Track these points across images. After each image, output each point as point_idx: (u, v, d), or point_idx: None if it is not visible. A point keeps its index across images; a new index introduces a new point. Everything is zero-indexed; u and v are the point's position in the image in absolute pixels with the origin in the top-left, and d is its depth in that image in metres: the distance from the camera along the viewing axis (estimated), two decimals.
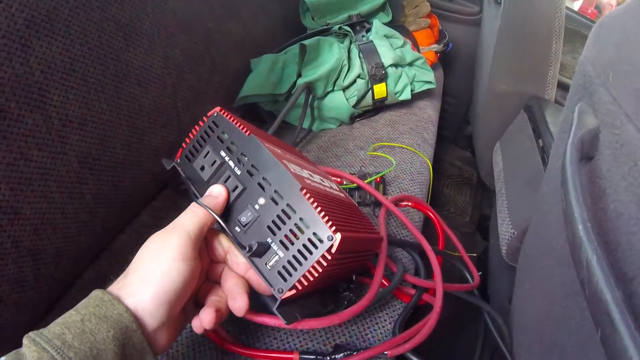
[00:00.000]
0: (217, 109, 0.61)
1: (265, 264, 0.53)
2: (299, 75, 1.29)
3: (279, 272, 0.52)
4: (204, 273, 0.58)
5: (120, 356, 0.44)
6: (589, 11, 3.25)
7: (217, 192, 0.57)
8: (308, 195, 0.52)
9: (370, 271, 0.81)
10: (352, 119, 1.39)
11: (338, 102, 1.31)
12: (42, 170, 0.71)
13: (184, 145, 0.63)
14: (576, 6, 3.26)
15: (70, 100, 0.74)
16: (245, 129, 0.58)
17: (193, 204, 0.55)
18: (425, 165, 1.22)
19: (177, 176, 1.06)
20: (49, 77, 0.69)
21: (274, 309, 0.52)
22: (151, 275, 0.49)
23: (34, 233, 0.71)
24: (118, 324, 0.45)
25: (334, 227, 0.50)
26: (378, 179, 1.05)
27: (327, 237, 0.50)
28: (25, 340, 0.42)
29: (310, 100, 1.30)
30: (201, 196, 0.58)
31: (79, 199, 0.79)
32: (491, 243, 1.41)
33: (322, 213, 0.51)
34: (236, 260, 0.57)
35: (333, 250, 0.50)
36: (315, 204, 0.51)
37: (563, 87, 1.52)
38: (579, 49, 1.83)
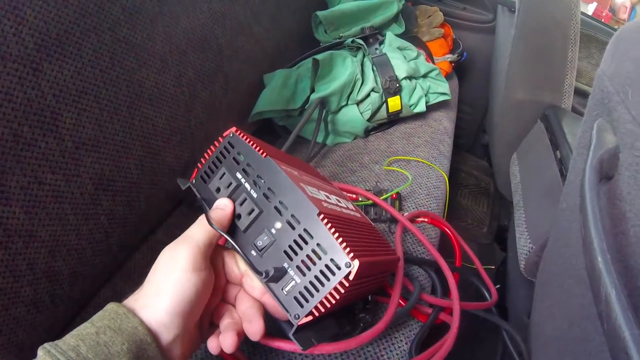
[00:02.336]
0: (233, 129, 0.60)
1: (282, 288, 0.52)
2: (313, 90, 1.28)
3: (296, 298, 0.51)
4: (220, 291, 0.58)
5: None
6: (604, 14, 3.23)
7: (223, 205, 0.56)
8: (326, 220, 0.51)
9: (386, 290, 0.80)
10: (367, 132, 1.38)
11: (352, 116, 1.31)
12: (56, 193, 0.71)
13: (199, 165, 0.62)
14: (590, 9, 3.24)
15: (83, 122, 0.74)
16: (261, 151, 0.57)
17: (202, 217, 0.55)
18: (442, 178, 1.20)
19: (191, 194, 1.07)
20: (61, 101, 0.69)
21: (290, 335, 0.52)
22: (164, 287, 0.49)
23: (49, 255, 0.71)
24: (132, 337, 0.45)
25: (352, 254, 0.49)
26: (394, 195, 1.03)
27: (344, 263, 0.49)
28: (40, 352, 0.42)
29: (324, 114, 1.29)
30: None
31: (94, 220, 0.79)
32: (509, 256, 1.39)
33: (340, 239, 0.50)
34: (252, 284, 0.57)
35: (351, 277, 0.49)
36: (333, 229, 0.51)
37: (579, 93, 1.50)
38: (594, 55, 1.81)
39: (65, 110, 0.70)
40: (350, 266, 0.49)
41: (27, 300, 0.68)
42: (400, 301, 0.79)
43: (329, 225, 0.51)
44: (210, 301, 0.56)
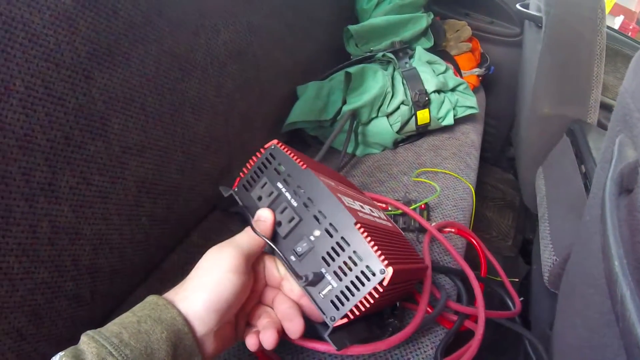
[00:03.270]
0: (274, 141, 0.63)
1: (319, 292, 0.55)
2: (344, 102, 1.30)
3: (332, 301, 0.54)
4: (258, 294, 0.61)
5: (171, 356, 0.47)
6: (630, 27, 3.19)
7: (264, 217, 0.59)
8: (362, 229, 0.54)
9: (414, 296, 0.82)
10: (395, 144, 1.39)
11: (382, 128, 1.32)
12: (103, 193, 0.74)
13: (241, 174, 0.65)
14: (617, 23, 3.21)
15: (130, 128, 0.77)
16: (301, 162, 0.60)
17: (248, 227, 0.58)
18: (468, 191, 1.21)
19: (225, 199, 1.09)
20: (110, 107, 0.72)
21: (326, 335, 0.54)
22: (204, 284, 0.52)
23: (92, 252, 0.74)
24: (171, 327, 0.48)
25: (386, 261, 0.52)
26: (423, 206, 1.05)
27: (379, 270, 0.52)
28: (84, 338, 0.45)
29: (354, 126, 1.31)
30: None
31: (136, 221, 0.81)
32: (533, 268, 1.38)
33: (375, 247, 0.52)
34: (290, 287, 0.59)
35: (385, 283, 0.51)
36: (369, 238, 0.53)
37: (605, 107, 1.49)
38: (620, 69, 1.80)
39: (113, 115, 0.73)
40: (384, 273, 0.51)
41: (69, 294, 0.71)
42: (427, 308, 0.81)
43: (365, 234, 0.53)
44: (248, 303, 0.58)
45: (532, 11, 1.52)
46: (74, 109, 0.67)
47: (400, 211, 1.00)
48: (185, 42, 0.87)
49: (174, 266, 1.00)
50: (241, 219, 1.11)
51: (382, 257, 0.52)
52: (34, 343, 0.66)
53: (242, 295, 0.54)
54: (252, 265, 0.58)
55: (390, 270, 0.51)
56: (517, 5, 1.64)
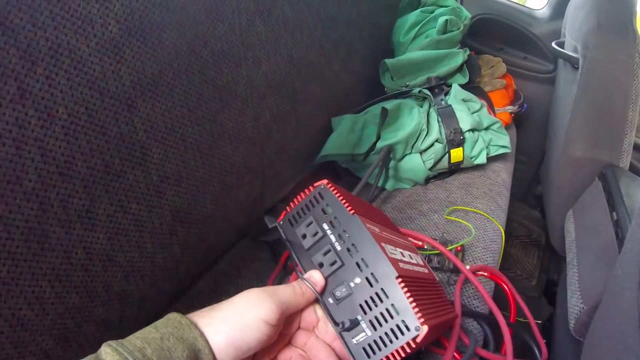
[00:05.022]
0: (324, 181, 0.62)
1: (352, 337, 0.54)
2: (378, 137, 1.29)
3: (364, 349, 0.53)
4: (289, 336, 0.59)
5: None
6: None
7: (316, 280, 0.58)
8: (403, 284, 0.52)
9: (440, 340, 0.79)
10: (426, 180, 1.37)
11: (415, 165, 1.30)
12: (138, 222, 0.73)
13: (287, 209, 0.64)
14: None
15: (169, 158, 0.76)
16: (349, 207, 0.59)
17: (297, 282, 0.58)
18: (499, 232, 1.18)
19: (255, 227, 1.08)
20: (151, 137, 0.72)
21: None
22: (233, 321, 0.50)
23: (124, 279, 0.73)
24: (192, 347, 0.46)
25: (422, 319, 0.50)
26: (459, 248, 1.02)
27: (414, 327, 0.50)
28: (106, 349, 0.43)
29: (388, 161, 1.29)
30: (300, 262, 0.60)
31: (168, 249, 0.81)
32: (558, 312, 1.35)
33: (414, 304, 0.51)
34: (326, 329, 0.59)
35: (418, 340, 0.50)
36: (409, 294, 0.52)
37: (638, 149, 1.47)
38: None
39: (154, 145, 0.73)
40: (419, 330, 0.50)
41: (98, 319, 0.70)
42: (455, 354, 0.78)
43: (405, 289, 0.52)
44: (275, 345, 0.57)
45: (567, 50, 1.50)
46: (116, 137, 0.66)
47: (437, 251, 0.97)
48: (227, 73, 0.86)
49: (201, 292, 1.00)
50: (270, 248, 1.11)
51: (419, 314, 0.51)
52: None
53: (264, 344, 0.53)
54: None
55: (425, 328, 0.50)
56: (553, 44, 1.63)
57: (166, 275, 0.83)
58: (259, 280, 1.06)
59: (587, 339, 0.89)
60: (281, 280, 1.00)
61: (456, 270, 0.98)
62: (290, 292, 0.56)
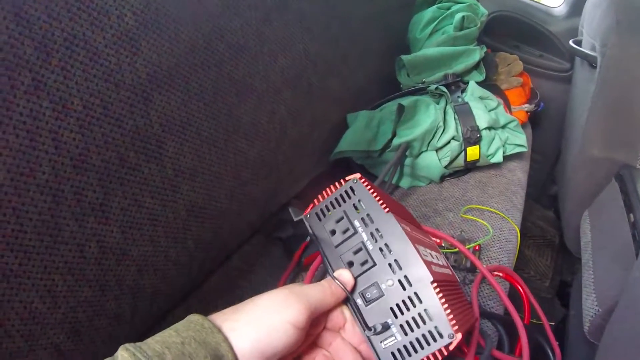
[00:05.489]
0: (357, 175, 0.59)
1: (381, 341, 0.52)
2: (394, 134, 1.27)
3: (393, 354, 0.51)
4: (314, 337, 0.57)
5: None
6: None
7: (346, 280, 0.55)
8: (438, 290, 0.50)
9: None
10: (442, 177, 1.35)
11: (430, 162, 1.29)
12: (153, 216, 0.72)
13: (315, 201, 0.61)
14: None
15: (185, 152, 0.75)
16: (384, 205, 0.56)
17: (326, 281, 0.55)
18: (514, 232, 1.16)
19: (269, 223, 1.07)
20: (166, 130, 0.71)
21: None
22: (259, 324, 0.48)
23: (137, 273, 0.72)
24: (215, 352, 0.44)
25: (456, 326, 0.48)
26: (477, 247, 1.01)
27: (447, 334, 0.48)
28: (123, 352, 0.42)
29: (404, 159, 1.28)
30: (328, 260, 0.58)
31: (182, 244, 0.80)
32: (571, 314, 1.33)
33: (448, 310, 0.49)
34: (353, 331, 0.56)
35: (451, 347, 0.48)
36: (443, 300, 0.50)
37: None
38: None
39: (169, 139, 0.71)
40: (452, 337, 0.48)
41: (110, 313, 0.69)
42: None
43: (440, 295, 0.50)
44: (301, 344, 0.55)
45: (585, 49, 1.48)
46: (131, 130, 0.65)
47: (455, 249, 0.95)
48: (244, 68, 0.85)
49: (213, 288, 0.99)
50: (284, 245, 1.10)
51: (454, 321, 0.49)
52: (70, 358, 0.65)
53: (292, 348, 0.50)
54: None
55: (459, 336, 0.48)
56: (570, 42, 1.60)
57: (179, 271, 0.81)
58: (272, 277, 1.05)
59: (602, 343, 0.88)
60: (295, 276, 0.99)
61: (472, 270, 0.96)
62: (319, 292, 0.53)
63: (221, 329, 0.47)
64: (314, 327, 0.55)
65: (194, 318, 0.48)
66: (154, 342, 0.44)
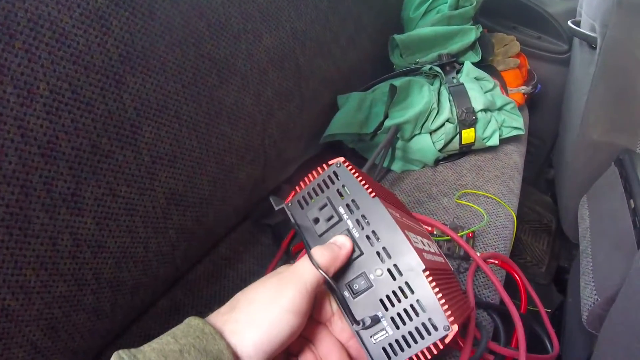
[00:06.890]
0: (341, 159, 0.56)
1: (371, 336, 0.49)
2: (386, 116, 1.24)
3: (384, 349, 0.48)
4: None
5: None
6: None
7: (341, 242, 0.51)
8: (430, 278, 0.47)
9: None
10: (436, 161, 1.32)
11: (424, 145, 1.26)
12: (129, 206, 0.69)
13: (297, 188, 0.58)
14: None
15: (162, 137, 0.72)
16: (370, 190, 0.52)
17: (317, 248, 0.51)
18: (510, 218, 1.14)
19: (257, 210, 1.04)
20: (141, 114, 0.68)
21: None
22: (260, 321, 0.45)
23: (115, 266, 0.70)
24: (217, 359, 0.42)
25: (452, 318, 0.45)
26: (470, 234, 0.98)
27: (443, 326, 0.45)
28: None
29: (395, 141, 1.25)
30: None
31: (163, 234, 0.77)
32: (568, 302, 1.32)
33: (443, 300, 0.46)
34: (341, 326, 0.53)
35: (447, 340, 0.45)
36: (437, 289, 0.46)
37: None
38: None
39: (145, 124, 0.69)
40: (448, 329, 0.45)
41: (88, 308, 0.67)
42: None
43: (433, 283, 0.47)
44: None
45: (584, 30, 1.45)
46: (103, 115, 0.62)
47: (447, 237, 0.93)
48: (225, 47, 0.81)
49: (199, 278, 0.97)
50: (272, 232, 1.08)
51: (449, 312, 0.46)
52: (48, 356, 0.63)
53: (296, 335, 0.48)
54: None
55: (455, 327, 0.45)
56: (569, 23, 1.56)
57: (161, 261, 0.79)
58: (260, 265, 1.03)
59: (601, 333, 0.87)
60: (283, 265, 0.96)
61: (466, 258, 0.94)
62: (308, 266, 0.49)
63: (223, 334, 0.44)
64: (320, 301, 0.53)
65: (193, 322, 0.45)
66: (150, 350, 0.41)
